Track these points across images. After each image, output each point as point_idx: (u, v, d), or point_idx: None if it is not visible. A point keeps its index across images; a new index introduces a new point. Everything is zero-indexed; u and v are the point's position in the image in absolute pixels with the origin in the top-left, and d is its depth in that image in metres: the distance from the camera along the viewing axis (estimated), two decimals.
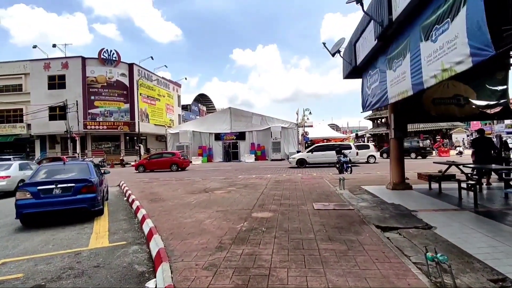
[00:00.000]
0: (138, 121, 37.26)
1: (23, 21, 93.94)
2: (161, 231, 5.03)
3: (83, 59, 35.92)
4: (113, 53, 37.04)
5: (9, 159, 24.72)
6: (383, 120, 51.54)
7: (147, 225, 5.44)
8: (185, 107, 58.40)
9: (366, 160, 21.43)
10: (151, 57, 42.87)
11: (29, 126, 36.46)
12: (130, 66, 38.62)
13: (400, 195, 7.59)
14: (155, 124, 42.45)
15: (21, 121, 36.96)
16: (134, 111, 37.89)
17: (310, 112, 40.13)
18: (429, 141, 29.09)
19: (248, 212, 6.20)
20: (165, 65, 44.45)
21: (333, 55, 8.57)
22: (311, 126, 48.95)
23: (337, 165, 15.01)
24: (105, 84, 36.65)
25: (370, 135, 57.38)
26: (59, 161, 12.45)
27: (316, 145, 21.18)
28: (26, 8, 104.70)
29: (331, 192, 8.54)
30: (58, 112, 35.16)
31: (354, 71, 8.90)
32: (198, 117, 53.88)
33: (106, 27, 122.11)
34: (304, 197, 7.78)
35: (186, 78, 63.64)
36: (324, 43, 8.60)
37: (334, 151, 17.28)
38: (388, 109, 9.09)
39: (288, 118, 33.27)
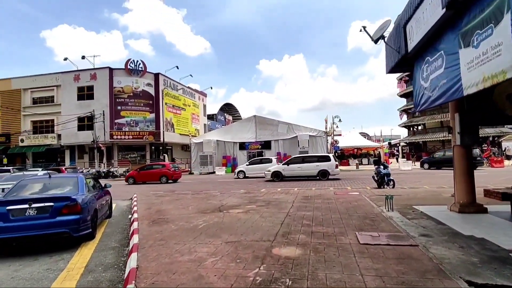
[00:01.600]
0: (163, 131, 36.95)
1: (66, 41, 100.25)
2: (142, 277, 3.55)
3: (111, 70, 36.43)
4: (139, 63, 37.31)
5: (8, 171, 24.46)
6: (419, 128, 47.86)
7: (129, 263, 3.99)
8: (211, 117, 58.11)
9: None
10: (177, 67, 43.06)
11: (59, 136, 37.31)
12: (156, 76, 38.69)
13: (476, 222, 5.60)
14: (180, 134, 42.09)
15: (52, 131, 37.93)
16: (159, 120, 37.67)
17: (340, 120, 37.82)
18: (478, 150, 25.78)
19: (268, 245, 4.57)
20: (191, 75, 44.64)
21: (375, 41, 6.86)
22: (340, 135, 46.38)
23: (376, 177, 12.97)
24: (131, 94, 36.86)
25: (405, 144, 53.60)
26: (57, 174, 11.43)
27: (293, 156, 20.24)
28: (69, 28, 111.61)
29: (376, 214, 6.68)
30: (86, 123, 35.69)
31: (402, 61, 7.10)
32: (224, 126, 53.22)
33: (140, 42, 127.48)
34: (342, 222, 6.02)
35: (211, 88, 63.81)
36: (364, 27, 6.92)
37: (311, 163, 16.94)
38: (450, 108, 7.13)
39: (315, 127, 31.36)
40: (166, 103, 39.21)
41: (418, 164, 27.98)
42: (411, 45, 6.42)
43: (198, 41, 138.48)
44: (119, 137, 35.66)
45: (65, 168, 25.33)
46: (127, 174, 24.20)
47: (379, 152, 39.06)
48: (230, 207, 8.25)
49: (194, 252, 4.36)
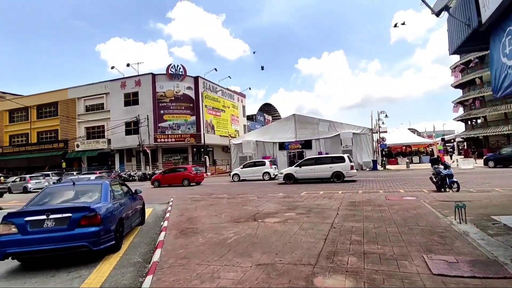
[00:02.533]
0: (204, 133, 37.43)
1: (117, 52, 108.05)
2: None
3: (153, 75, 37.75)
4: (180, 68, 38.19)
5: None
6: (478, 121, 42.79)
7: None
8: (250, 118, 57.99)
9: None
10: (215, 69, 43.39)
11: (109, 141, 39.51)
12: (195, 79, 39.33)
13: None
14: (220, 135, 42.37)
15: (103, 136, 40.32)
16: (200, 123, 38.22)
17: (386, 115, 34.97)
18: None
19: (308, 272, 3.63)
20: (229, 76, 44.73)
21: (437, 13, 5.58)
22: (385, 132, 43.06)
23: (434, 179, 11.25)
24: (173, 98, 37.85)
25: (461, 139, 48.48)
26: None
27: (306, 158, 19.36)
28: (120, 41, 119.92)
29: (444, 228, 5.38)
30: (132, 127, 37.40)
31: (473, 36, 5.71)
32: (262, 126, 52.75)
33: (182, 49, 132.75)
34: (402, 238, 4.87)
35: (250, 88, 63.71)
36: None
37: (325, 165, 16.12)
38: None
39: (359, 124, 29.31)
40: (206, 106, 39.71)
41: (480, 161, 24.68)
42: (485, 14, 5.06)
43: (237, 44, 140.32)
44: (162, 140, 36.80)
45: (100, 172, 26.37)
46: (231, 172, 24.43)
47: (432, 149, 35.57)
48: (266, 215, 7.42)
49: (217, 278, 3.59)
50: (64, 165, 39.90)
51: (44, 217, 4.69)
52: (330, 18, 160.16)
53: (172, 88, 37.85)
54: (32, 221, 4.68)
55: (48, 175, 26.13)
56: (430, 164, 12.26)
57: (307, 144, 29.07)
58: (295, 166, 17.27)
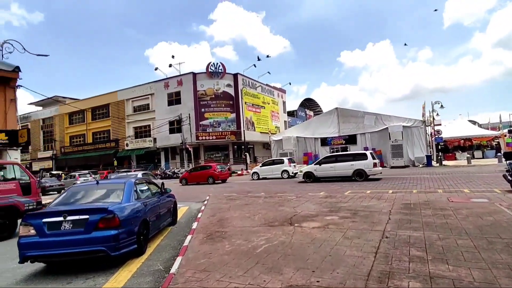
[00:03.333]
0: (244, 130, 37.26)
1: (164, 56, 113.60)
2: None
3: (194, 74, 38.43)
4: (219, 66, 38.41)
5: (95, 173, 27.54)
6: None
7: None
8: (291, 113, 56.81)
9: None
10: (254, 65, 42.98)
11: (155, 140, 41.14)
12: (235, 76, 39.30)
13: None
14: (261, 132, 41.96)
15: (149, 135, 42.11)
16: (240, 120, 38.12)
17: (441, 106, 31.43)
18: None
19: None
20: (268, 72, 43.98)
21: None
22: (439, 124, 38.85)
23: (510, 177, 9.41)
24: (213, 96, 38.22)
25: None
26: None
27: (326, 155, 18.79)
28: (166, 45, 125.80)
29: None
30: (175, 126, 38.51)
31: None
32: (303, 122, 51.30)
33: (224, 49, 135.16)
34: (481, 255, 3.73)
35: (290, 83, 62.42)
36: None
37: (345, 163, 15.39)
38: None
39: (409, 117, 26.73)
40: (245, 102, 39.50)
41: None
42: None
43: (278, 41, 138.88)
44: (203, 138, 37.36)
45: (134, 170, 27.31)
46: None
47: (498, 142, 31.40)
48: (304, 218, 6.56)
49: None
50: (115, 163, 42.48)
51: (61, 218, 4.40)
52: (373, 7, 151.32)
53: (212, 86, 38.22)
54: (50, 223, 4.41)
55: (95, 173, 27.77)
56: (504, 159, 10.34)
57: (351, 139, 27.36)
58: (315, 164, 16.77)
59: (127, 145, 43.25)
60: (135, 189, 5.60)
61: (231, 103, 38.63)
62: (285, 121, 50.21)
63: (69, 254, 4.34)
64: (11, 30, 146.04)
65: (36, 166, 52.14)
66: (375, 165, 14.95)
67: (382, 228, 5.28)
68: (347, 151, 25.53)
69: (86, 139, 48.33)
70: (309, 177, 16.28)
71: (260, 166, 22.54)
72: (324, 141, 28.60)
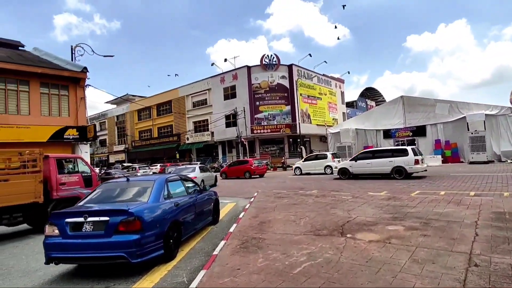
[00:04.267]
0: (299, 122, 35.98)
1: (224, 53, 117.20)
2: None
3: (248, 68, 38.21)
4: (273, 57, 37.55)
5: (146, 167, 28.79)
6: None
7: None
8: (350, 104, 53.50)
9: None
10: (309, 54, 41.12)
11: (212, 133, 42.24)
12: (289, 67, 38.06)
13: None
14: (317, 125, 40.19)
15: (207, 129, 43.41)
16: (295, 112, 36.84)
17: None
18: None
19: None
20: (325, 61, 41.85)
21: None
22: None
23: None
24: (268, 88, 37.59)
25: None
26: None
27: (363, 151, 17.54)
28: (225, 42, 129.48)
29: None
30: (231, 120, 38.95)
31: None
32: (363, 113, 47.82)
33: (281, 42, 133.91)
34: None
35: (349, 72, 58.44)
36: None
37: (383, 159, 14.41)
38: None
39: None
40: (301, 94, 38.08)
41: None
42: None
43: (336, 30, 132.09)
44: (258, 131, 37.08)
45: (183, 164, 27.95)
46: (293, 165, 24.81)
47: None
48: (360, 227, 5.43)
49: None
50: (177, 156, 44.83)
51: (82, 219, 4.11)
52: None
53: (267, 78, 37.58)
54: (72, 223, 4.15)
55: (156, 165, 29.41)
56: None
57: (419, 131, 24.30)
58: (351, 160, 16.02)
59: (187, 139, 45.23)
60: (166, 187, 5.16)
61: (286, 95, 37.57)
62: (343, 113, 47.37)
63: (90, 259, 4.03)
64: (95, 39, 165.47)
65: (112, 159, 58.12)
66: (416, 162, 13.56)
67: (467, 249, 3.95)
68: (414, 144, 22.72)
69: (152, 134, 51.92)
70: (344, 174, 15.66)
71: (303, 161, 22.06)
72: (387, 133, 25.93)
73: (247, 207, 8.45)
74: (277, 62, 37.35)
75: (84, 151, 17.81)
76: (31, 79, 16.26)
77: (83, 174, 9.35)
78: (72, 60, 20.14)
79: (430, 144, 23.76)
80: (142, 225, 4.11)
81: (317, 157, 21.39)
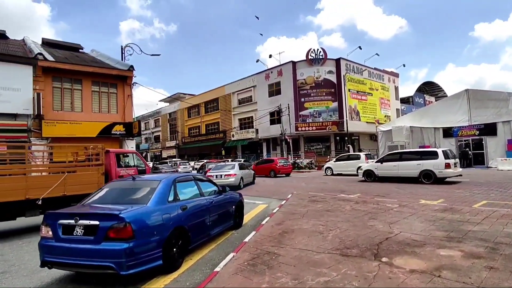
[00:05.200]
0: (346, 120, 33.92)
1: (274, 51, 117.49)
2: None
3: (293, 63, 37.05)
4: (320, 52, 35.87)
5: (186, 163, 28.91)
6: None
7: None
8: (406, 100, 49.23)
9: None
10: (359, 47, 38.29)
11: (257, 131, 41.97)
12: (337, 61, 36.04)
13: None
14: (367, 122, 37.58)
15: (252, 127, 43.25)
16: (343, 109, 34.82)
17: None
18: None
19: None
20: (377, 54, 38.66)
21: None
22: None
23: None
24: (313, 84, 36.07)
25: None
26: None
27: (389, 152, 17.16)
28: (275, 40, 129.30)
29: None
30: (276, 117, 38.22)
31: None
32: (419, 109, 43.60)
33: (332, 37, 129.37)
34: None
35: (404, 65, 53.55)
36: None
37: (411, 161, 13.75)
38: None
39: None
40: (349, 89, 35.88)
41: None
42: None
43: (392, 21, 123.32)
44: (303, 129, 35.81)
45: (220, 161, 27.80)
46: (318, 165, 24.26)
47: None
48: (401, 248, 4.35)
49: None
50: (223, 152, 45.51)
51: (73, 222, 3.77)
52: None
53: (312, 74, 36.05)
54: (64, 226, 3.83)
55: (202, 161, 29.88)
56: None
57: (488, 129, 21.08)
58: (376, 162, 15.52)
59: (233, 136, 45.60)
60: (173, 188, 4.66)
61: (333, 91, 35.66)
62: (397, 109, 43.67)
63: (80, 266, 3.66)
64: (155, 42, 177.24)
65: (165, 154, 61.28)
66: (447, 165, 12.63)
67: None
68: (481, 144, 19.76)
69: (200, 131, 53.45)
70: (370, 176, 15.12)
71: (334, 161, 21.63)
72: (448, 132, 22.98)
73: (275, 211, 7.71)
74: (323, 57, 35.61)
75: (130, 146, 18.56)
76: (83, 78, 17.33)
77: (138, 168, 9.86)
78: (122, 59, 21.21)
79: (502, 145, 20.45)
80: (135, 232, 3.63)
81: (349, 158, 20.75)
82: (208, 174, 16.08)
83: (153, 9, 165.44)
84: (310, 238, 5.03)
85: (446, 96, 50.95)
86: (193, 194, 5.22)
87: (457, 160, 13.64)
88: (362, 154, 20.56)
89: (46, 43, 21.26)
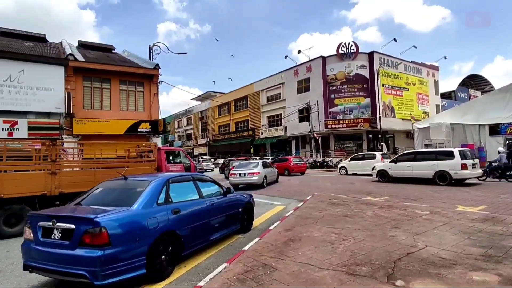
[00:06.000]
0: (380, 117, 32.13)
1: (306, 47, 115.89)
2: None
3: (323, 58, 35.79)
4: (351, 45, 34.27)
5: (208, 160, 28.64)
6: None
7: None
8: (447, 95, 45.75)
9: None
10: (394, 39, 35.88)
11: (285, 128, 41.24)
12: (370, 55, 34.22)
13: None
14: (402, 119, 35.35)
15: (280, 124, 42.57)
16: (375, 105, 33.03)
17: None
18: None
19: None
20: (414, 46, 35.94)
21: None
22: None
23: None
24: (344, 80, 34.60)
25: None
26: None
27: (403, 152, 16.76)
28: (308, 36, 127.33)
29: None
30: (304, 114, 37.24)
31: None
32: (461, 104, 40.17)
33: (367, 32, 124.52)
34: None
35: (445, 57, 49.51)
36: None
37: (426, 162, 13.10)
38: None
39: None
40: (383, 85, 33.95)
41: None
42: None
43: (434, 12, 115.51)
44: (333, 126, 34.55)
45: (246, 159, 27.42)
46: (339, 164, 23.35)
47: None
48: (424, 267, 3.60)
49: None
50: (252, 150, 45.33)
51: (51, 223, 3.53)
52: None
53: (343, 69, 34.56)
54: (44, 228, 3.62)
55: (232, 158, 29.80)
56: None
57: None
58: (390, 162, 15.08)
59: (261, 133, 45.27)
60: (165, 189, 4.30)
61: (365, 86, 33.92)
62: (437, 105, 40.66)
63: (55, 272, 3.41)
64: (190, 42, 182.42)
65: (196, 151, 62.57)
66: (464, 166, 12.01)
67: None
68: None
69: (230, 128, 53.77)
70: (383, 176, 14.77)
71: (349, 160, 21.33)
72: (495, 129, 20.73)
73: (288, 214, 7.15)
74: (355, 50, 33.96)
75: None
76: (112, 77, 17.81)
77: (184, 164, 10.50)
78: (150, 58, 21.63)
79: None
80: (111, 238, 3.31)
81: (364, 157, 20.44)
82: (231, 172, 15.93)
83: (189, 11, 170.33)
84: (316, 249, 4.43)
85: (494, 89, 46.55)
86: (189, 195, 4.84)
87: (476, 161, 12.95)
88: (378, 154, 19.98)
89: (81, 45, 22.22)
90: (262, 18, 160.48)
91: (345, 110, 34.62)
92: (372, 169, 17.50)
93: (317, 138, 33.87)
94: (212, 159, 30.82)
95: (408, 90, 36.68)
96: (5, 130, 14.48)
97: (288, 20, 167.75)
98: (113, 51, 23.72)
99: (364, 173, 18.98)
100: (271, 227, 5.92)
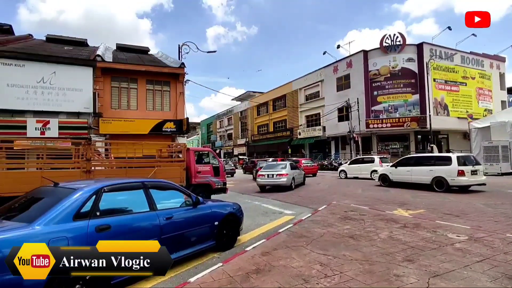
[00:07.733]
0: (430, 115, 28.69)
1: (355, 44, 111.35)
2: None
3: (365, 52, 33.15)
4: (397, 37, 31.20)
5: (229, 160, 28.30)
6: None
7: None
8: None
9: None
10: (448, 27, 31.71)
11: (324, 128, 39.19)
12: (419, 46, 30.82)
13: None
14: (458, 117, 31.30)
15: (319, 124, 40.58)
16: (425, 102, 29.57)
17: None
18: None
19: None
20: (473, 34, 31.44)
21: None
22: None
23: None
24: (388, 75, 31.62)
25: None
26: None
27: (405, 156, 16.17)
28: (356, 33, 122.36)
29: None
30: (344, 113, 34.94)
31: None
32: None
33: (423, 24, 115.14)
34: None
35: None
36: None
37: (424, 167, 13.00)
38: None
39: None
40: (434, 79, 30.34)
41: None
42: None
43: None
44: (375, 125, 31.82)
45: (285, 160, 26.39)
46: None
47: None
48: None
49: None
50: (289, 151, 43.95)
51: None
52: None
53: (388, 63, 31.59)
54: None
55: (268, 159, 28.95)
56: None
57: None
58: (391, 166, 14.96)
59: (299, 133, 43.71)
60: (93, 200, 3.46)
61: (413, 81, 30.61)
62: (502, 101, 35.33)
63: None
64: (237, 45, 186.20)
65: (236, 151, 62.87)
66: (461, 173, 11.63)
67: None
68: None
69: (268, 128, 52.95)
70: (385, 181, 14.63)
71: (348, 164, 21.32)
72: None
73: (282, 229, 5.94)
74: (401, 42, 30.82)
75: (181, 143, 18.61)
76: (139, 77, 17.94)
77: (213, 165, 10.66)
78: (179, 58, 21.58)
79: None
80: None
81: (363, 161, 20.51)
82: (259, 173, 15.39)
83: (236, 14, 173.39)
84: (325, 276, 3.23)
85: None
86: (134, 208, 3.95)
87: (478, 167, 12.21)
88: (376, 157, 20.06)
89: (118, 48, 22.96)
90: (309, 16, 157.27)
91: (390, 108, 31.63)
92: (371, 172, 17.46)
93: (356, 139, 31.43)
94: (246, 159, 30.13)
95: (466, 85, 32.33)
96: (38, 130, 15.16)
97: (336, 17, 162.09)
98: (148, 52, 24.16)
99: (363, 177, 18.91)
100: (248, 248, 4.80)
